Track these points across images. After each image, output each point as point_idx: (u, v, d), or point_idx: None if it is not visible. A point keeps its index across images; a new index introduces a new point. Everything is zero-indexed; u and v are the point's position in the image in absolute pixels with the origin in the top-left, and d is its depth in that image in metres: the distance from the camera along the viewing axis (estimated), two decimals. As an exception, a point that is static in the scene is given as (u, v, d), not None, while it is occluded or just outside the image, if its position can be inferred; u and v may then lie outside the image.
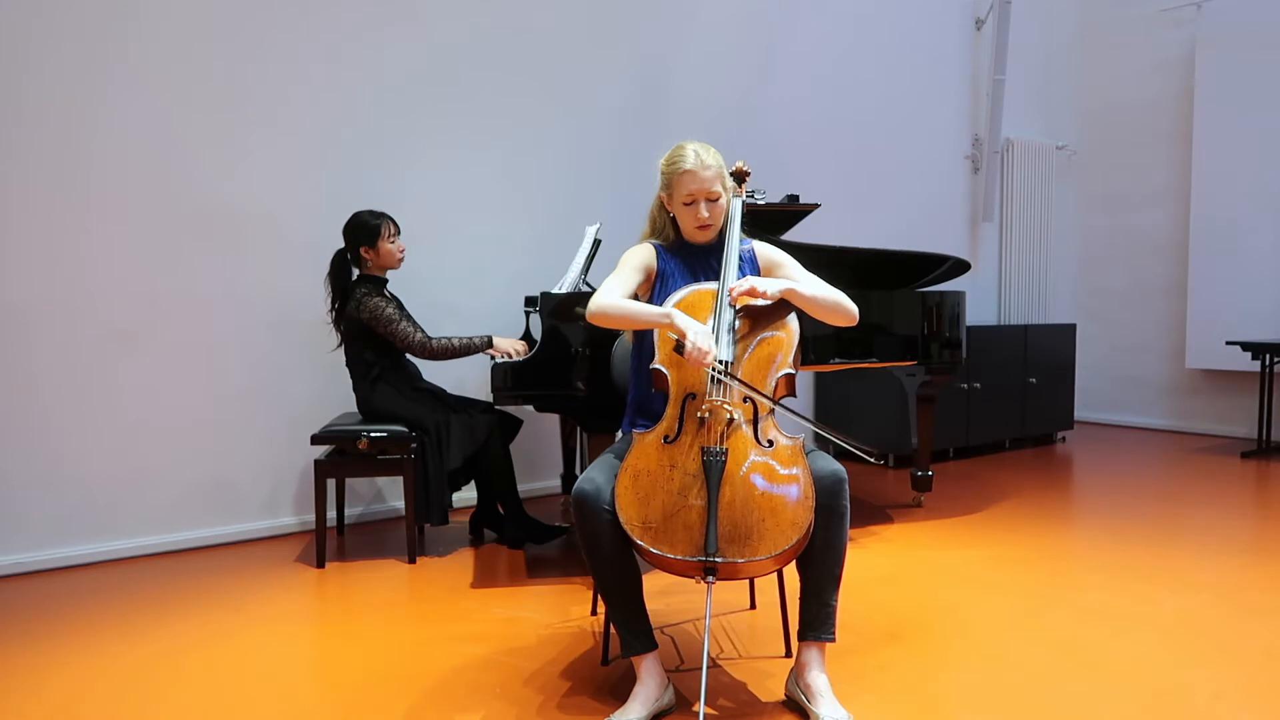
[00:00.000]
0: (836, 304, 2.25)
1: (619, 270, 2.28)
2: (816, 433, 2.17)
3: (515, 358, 3.32)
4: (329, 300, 3.54)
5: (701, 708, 1.86)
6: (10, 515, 3.29)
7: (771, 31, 5.28)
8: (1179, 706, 2.10)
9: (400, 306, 3.53)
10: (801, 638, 2.08)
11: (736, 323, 2.16)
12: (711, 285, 2.23)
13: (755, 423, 2.06)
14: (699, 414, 2.03)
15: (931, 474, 4.17)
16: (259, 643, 2.60)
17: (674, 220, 2.36)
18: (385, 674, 2.34)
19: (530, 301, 4.10)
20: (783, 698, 2.14)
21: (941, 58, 6.17)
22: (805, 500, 1.96)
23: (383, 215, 3.49)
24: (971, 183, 6.47)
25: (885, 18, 5.79)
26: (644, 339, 2.28)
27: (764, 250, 2.38)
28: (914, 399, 4.11)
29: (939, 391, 4.12)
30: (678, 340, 2.03)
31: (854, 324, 2.27)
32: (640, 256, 2.32)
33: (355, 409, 3.60)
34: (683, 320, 2.05)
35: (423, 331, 3.45)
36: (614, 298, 2.17)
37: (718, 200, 2.27)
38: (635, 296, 2.28)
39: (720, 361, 2.06)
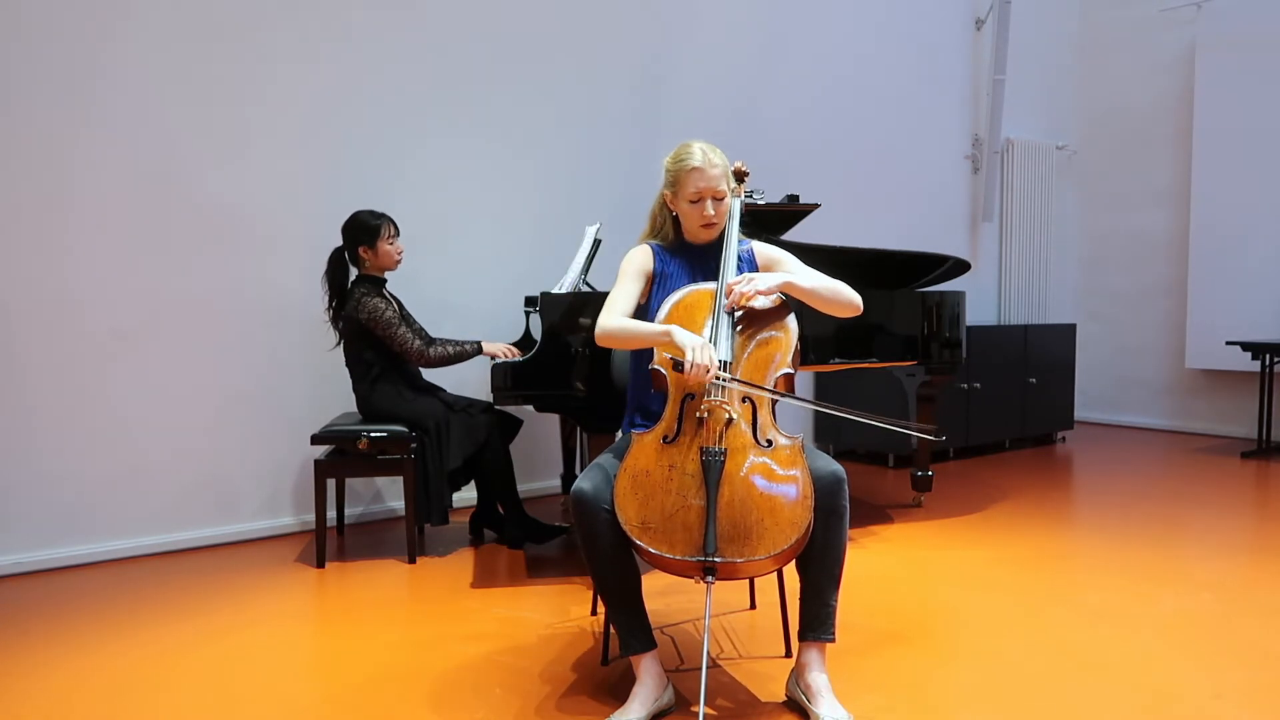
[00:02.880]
0: (836, 293, 2.25)
1: (620, 282, 2.30)
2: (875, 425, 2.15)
3: (509, 358, 3.32)
4: (326, 298, 3.54)
5: (701, 708, 1.86)
6: (10, 515, 3.28)
7: (771, 32, 5.28)
8: (1179, 706, 2.10)
9: (400, 308, 3.54)
10: (802, 638, 2.08)
11: (735, 323, 2.16)
12: (710, 285, 2.23)
13: (754, 422, 2.05)
14: (698, 414, 2.03)
15: (931, 474, 4.17)
16: (259, 642, 2.60)
17: (675, 220, 2.36)
18: (385, 674, 2.34)
19: (530, 301, 4.10)
20: (783, 698, 2.14)
21: (941, 58, 6.17)
22: (804, 500, 1.96)
23: (383, 216, 3.49)
24: (971, 183, 6.47)
25: (885, 18, 5.79)
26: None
27: (762, 249, 2.38)
28: (914, 399, 4.11)
29: (939, 391, 4.12)
30: (675, 360, 2.03)
31: (858, 313, 2.29)
32: (638, 262, 2.33)
33: (355, 409, 3.60)
34: (682, 337, 2.04)
35: (420, 339, 3.45)
36: (619, 319, 2.20)
37: (723, 199, 2.27)
38: (640, 306, 2.31)
39: (719, 362, 2.06)
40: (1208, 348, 6.07)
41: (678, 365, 2.01)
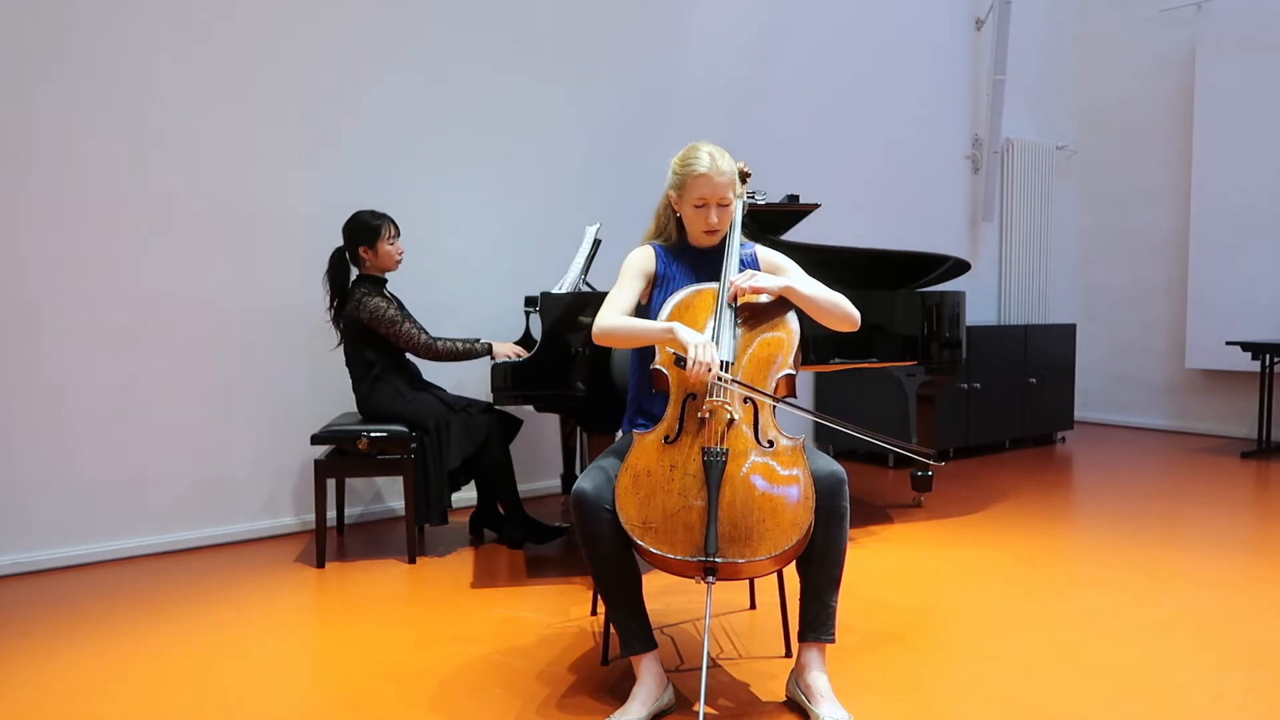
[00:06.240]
0: (836, 305, 2.24)
1: (620, 282, 2.29)
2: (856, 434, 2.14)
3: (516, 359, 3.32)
4: (327, 298, 3.55)
5: (701, 708, 1.86)
6: (11, 515, 3.28)
7: (771, 32, 5.28)
8: (1179, 706, 2.10)
9: (401, 307, 3.54)
10: (801, 638, 2.08)
11: (737, 323, 2.16)
12: (712, 285, 2.23)
13: (756, 423, 2.06)
14: (699, 414, 2.03)
15: (931, 474, 4.17)
16: (259, 642, 2.60)
17: (679, 220, 2.35)
18: (385, 674, 2.34)
19: (530, 302, 4.10)
20: (783, 698, 2.14)
21: (941, 58, 6.17)
22: (805, 501, 1.96)
23: (384, 216, 3.50)
24: (971, 183, 6.47)
25: (885, 18, 5.79)
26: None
27: (766, 255, 2.38)
28: (914, 399, 4.11)
29: (939, 391, 4.12)
30: (678, 355, 2.03)
31: (855, 329, 2.26)
32: (639, 263, 2.32)
33: (355, 409, 3.60)
34: (684, 334, 2.04)
35: (427, 333, 3.46)
36: (617, 317, 2.19)
37: (728, 206, 2.26)
38: (639, 304, 2.30)
39: (720, 362, 2.06)
40: (1208, 348, 6.08)
41: (679, 361, 2.01)
